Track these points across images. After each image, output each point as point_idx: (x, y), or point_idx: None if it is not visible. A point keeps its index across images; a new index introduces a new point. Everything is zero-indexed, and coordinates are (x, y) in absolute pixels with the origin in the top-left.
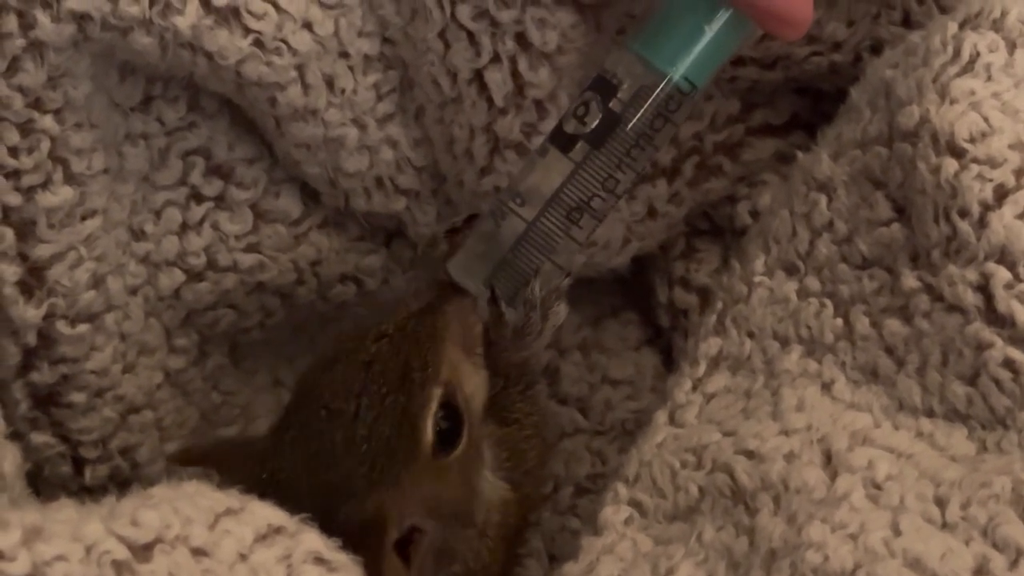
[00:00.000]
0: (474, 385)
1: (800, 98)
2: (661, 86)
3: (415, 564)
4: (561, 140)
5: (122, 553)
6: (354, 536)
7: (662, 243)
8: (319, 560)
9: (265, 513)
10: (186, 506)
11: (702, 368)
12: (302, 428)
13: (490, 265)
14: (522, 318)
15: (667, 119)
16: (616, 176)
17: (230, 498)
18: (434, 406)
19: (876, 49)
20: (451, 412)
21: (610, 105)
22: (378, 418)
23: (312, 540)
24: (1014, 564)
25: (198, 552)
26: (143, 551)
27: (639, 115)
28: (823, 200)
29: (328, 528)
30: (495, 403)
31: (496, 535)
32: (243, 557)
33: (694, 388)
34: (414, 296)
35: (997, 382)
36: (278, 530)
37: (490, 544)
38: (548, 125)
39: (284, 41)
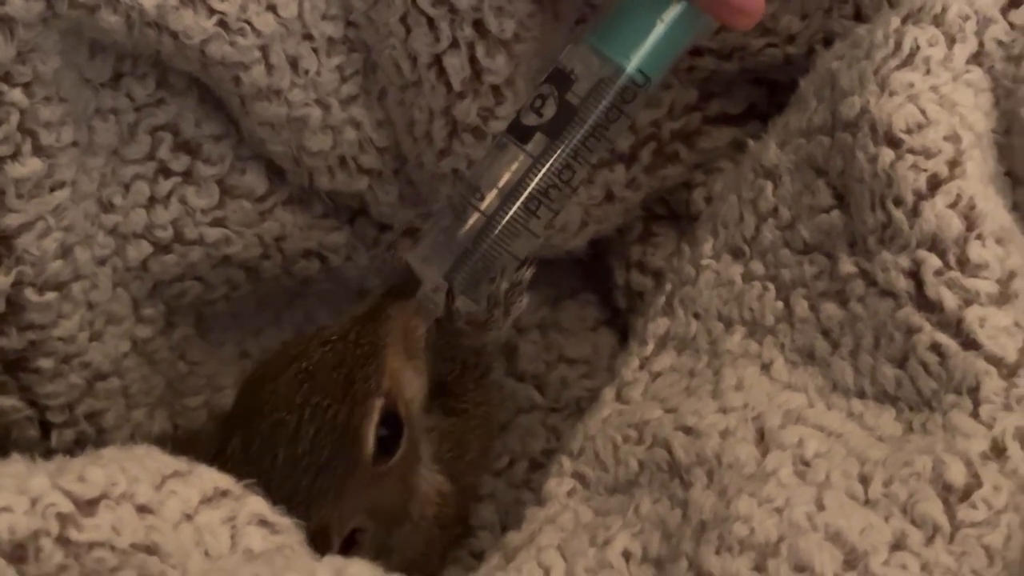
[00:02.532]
0: (415, 388)
1: (757, 88)
2: (616, 79)
3: None
4: (519, 132)
5: (67, 507)
6: None
7: (620, 227)
8: (263, 522)
9: (212, 477)
10: (134, 466)
11: (650, 347)
12: (244, 440)
13: (450, 258)
14: (485, 313)
15: (622, 111)
16: (572, 167)
17: (179, 462)
18: (375, 417)
19: (829, 42)
20: (391, 419)
21: (566, 97)
22: (319, 431)
23: (257, 503)
24: (930, 540)
25: (143, 509)
26: (88, 506)
27: (594, 107)
28: (769, 187)
29: None
30: (448, 390)
31: (432, 526)
32: (188, 517)
33: (641, 366)
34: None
35: (924, 365)
36: (224, 493)
37: (425, 535)
38: (505, 110)
39: (248, 22)
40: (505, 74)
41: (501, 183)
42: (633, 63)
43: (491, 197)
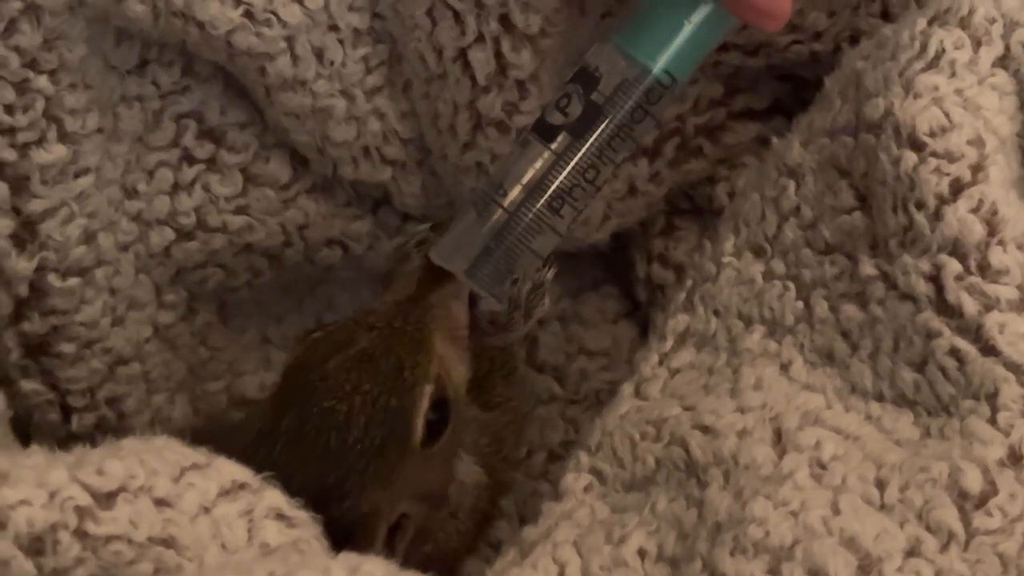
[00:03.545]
0: (460, 373)
1: (782, 85)
2: (642, 79)
3: (399, 550)
4: (543, 130)
5: (85, 500)
6: (344, 531)
7: (642, 220)
8: (280, 516)
9: (231, 469)
10: (153, 459)
11: (669, 343)
12: (299, 418)
13: (472, 254)
14: (506, 315)
15: (647, 112)
16: (597, 167)
17: (198, 454)
18: (426, 404)
19: (855, 39)
20: (440, 403)
21: (591, 97)
22: (371, 419)
23: (274, 497)
24: (945, 547)
25: (161, 503)
26: (106, 499)
27: (620, 107)
28: (792, 186)
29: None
30: (479, 387)
31: (467, 518)
32: (206, 510)
33: (660, 362)
34: (396, 283)
35: (943, 370)
36: (242, 486)
37: (460, 527)
38: (529, 105)
39: (274, 13)
40: (530, 69)
41: (525, 180)
42: (659, 64)
43: (514, 194)
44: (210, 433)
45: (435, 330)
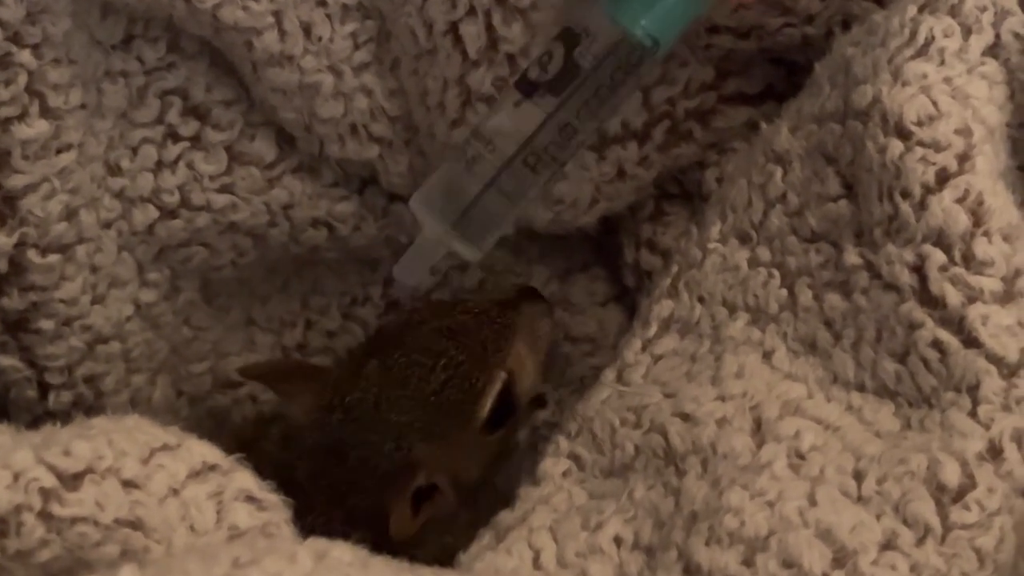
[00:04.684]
0: (530, 381)
1: (775, 69)
2: (624, 41)
3: (421, 517)
4: (523, 86)
5: (50, 481)
6: (386, 471)
7: (631, 205)
8: (250, 498)
9: (201, 451)
10: (122, 439)
11: (653, 329)
12: (382, 365)
13: (449, 207)
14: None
15: (628, 73)
16: (574, 124)
17: (168, 434)
18: (497, 387)
19: (847, 24)
20: (506, 397)
21: (573, 55)
22: (450, 380)
23: (244, 479)
24: (921, 541)
25: (129, 484)
26: (72, 480)
27: (600, 67)
28: (778, 172)
29: (371, 456)
30: None
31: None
32: (175, 492)
33: (643, 349)
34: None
35: (925, 361)
36: (212, 468)
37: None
38: None
39: None
40: (521, 43)
41: (504, 135)
42: (643, 26)
43: (493, 148)
44: (291, 370)
45: (519, 333)
